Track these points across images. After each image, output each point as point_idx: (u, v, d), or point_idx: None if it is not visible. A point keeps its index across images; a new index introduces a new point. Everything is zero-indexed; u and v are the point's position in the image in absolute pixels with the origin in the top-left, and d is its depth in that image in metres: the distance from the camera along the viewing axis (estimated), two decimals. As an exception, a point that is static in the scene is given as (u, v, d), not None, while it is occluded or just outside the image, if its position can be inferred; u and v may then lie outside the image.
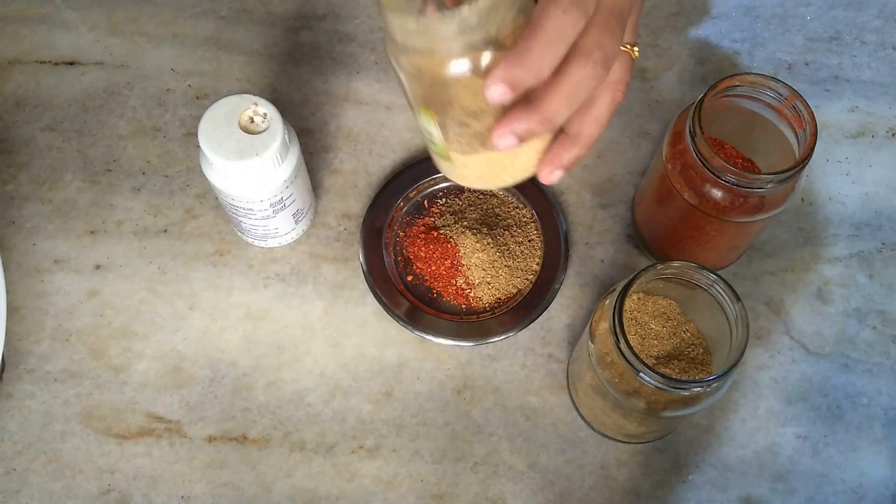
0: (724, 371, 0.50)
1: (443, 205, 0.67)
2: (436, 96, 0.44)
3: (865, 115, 0.71)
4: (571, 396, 0.62)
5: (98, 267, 0.66)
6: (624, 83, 0.48)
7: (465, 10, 0.40)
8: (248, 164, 0.56)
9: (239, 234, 0.66)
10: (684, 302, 0.59)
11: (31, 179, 0.68)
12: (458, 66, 0.42)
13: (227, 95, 0.58)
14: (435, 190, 0.68)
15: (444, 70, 0.42)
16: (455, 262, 0.65)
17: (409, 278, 0.65)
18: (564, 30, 0.42)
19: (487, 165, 0.47)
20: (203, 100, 0.71)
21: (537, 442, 0.61)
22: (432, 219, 0.67)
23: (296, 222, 0.65)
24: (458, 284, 0.65)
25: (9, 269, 0.65)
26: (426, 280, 0.65)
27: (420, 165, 0.68)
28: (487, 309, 0.64)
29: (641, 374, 0.50)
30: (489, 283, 0.64)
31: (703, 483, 0.60)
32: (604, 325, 0.53)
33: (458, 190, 0.68)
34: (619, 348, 0.51)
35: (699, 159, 0.55)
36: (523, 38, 0.41)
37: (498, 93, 0.42)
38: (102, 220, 0.67)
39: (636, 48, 0.50)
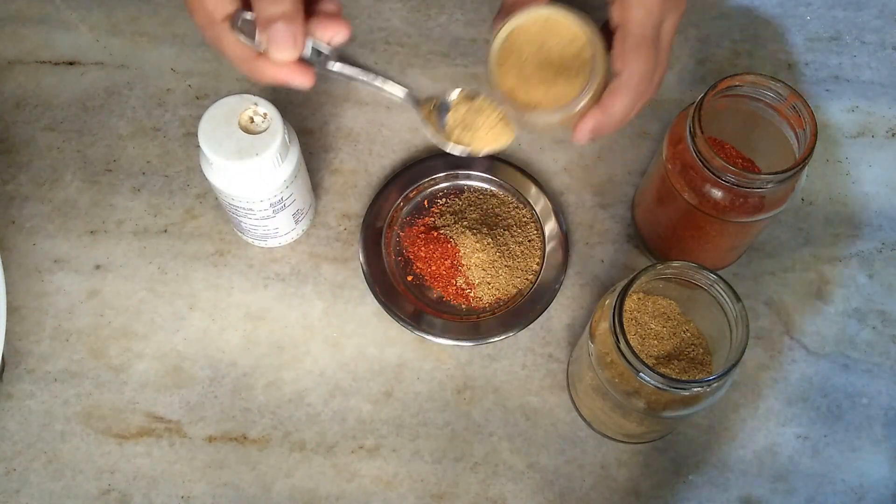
0: (724, 371, 0.50)
1: (443, 205, 0.67)
2: (527, 124, 0.56)
3: (865, 115, 0.71)
4: (571, 396, 0.62)
5: (98, 267, 0.66)
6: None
7: (565, 111, 0.53)
8: (248, 164, 0.56)
9: (239, 234, 0.66)
10: (684, 302, 0.59)
11: (31, 179, 0.68)
12: (550, 122, 0.54)
13: (227, 95, 0.57)
14: (435, 190, 0.68)
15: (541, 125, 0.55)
16: (455, 262, 0.65)
17: (409, 278, 0.65)
18: (641, 94, 0.53)
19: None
20: (203, 100, 0.71)
21: (537, 442, 0.61)
22: (432, 219, 0.67)
23: (296, 222, 0.65)
24: (458, 284, 0.65)
25: (9, 269, 0.65)
26: (426, 280, 0.65)
27: (420, 165, 0.68)
28: (487, 309, 0.64)
29: (641, 374, 0.50)
30: (489, 283, 0.64)
31: (703, 483, 0.60)
32: (604, 325, 0.53)
33: (458, 190, 0.68)
34: (619, 348, 0.51)
35: (699, 159, 0.55)
36: (610, 103, 0.52)
37: (585, 139, 0.53)
38: (102, 220, 0.67)
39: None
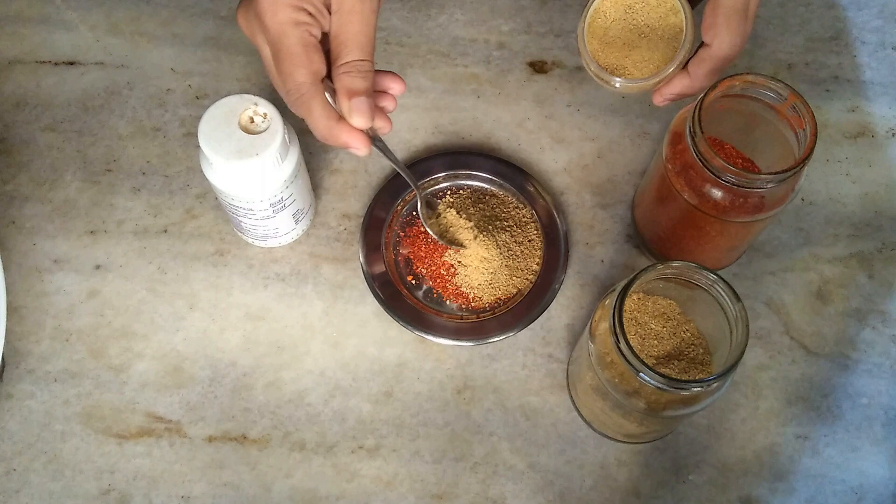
0: (724, 371, 0.50)
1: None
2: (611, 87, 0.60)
3: (865, 115, 0.71)
4: (571, 396, 0.62)
5: (98, 267, 0.66)
6: None
7: (654, 79, 0.57)
8: (248, 164, 0.56)
9: (239, 234, 0.66)
10: (684, 302, 0.59)
11: (31, 179, 0.68)
12: (634, 87, 0.59)
13: (227, 95, 0.58)
14: (435, 190, 0.68)
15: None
16: (455, 262, 0.65)
17: (409, 278, 0.65)
18: (728, 62, 0.56)
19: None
20: (203, 100, 0.71)
21: (537, 442, 0.61)
22: (432, 219, 0.67)
23: (296, 222, 0.65)
24: (458, 284, 0.65)
25: (9, 269, 0.65)
26: (426, 280, 0.65)
27: (420, 165, 0.68)
28: (487, 309, 0.64)
29: (641, 374, 0.50)
30: (489, 283, 0.64)
31: (703, 483, 0.60)
32: (604, 325, 0.53)
33: (458, 190, 0.68)
34: (619, 348, 0.51)
35: (699, 159, 0.55)
36: (698, 72, 0.56)
37: (665, 103, 0.58)
38: (102, 220, 0.67)
39: None
